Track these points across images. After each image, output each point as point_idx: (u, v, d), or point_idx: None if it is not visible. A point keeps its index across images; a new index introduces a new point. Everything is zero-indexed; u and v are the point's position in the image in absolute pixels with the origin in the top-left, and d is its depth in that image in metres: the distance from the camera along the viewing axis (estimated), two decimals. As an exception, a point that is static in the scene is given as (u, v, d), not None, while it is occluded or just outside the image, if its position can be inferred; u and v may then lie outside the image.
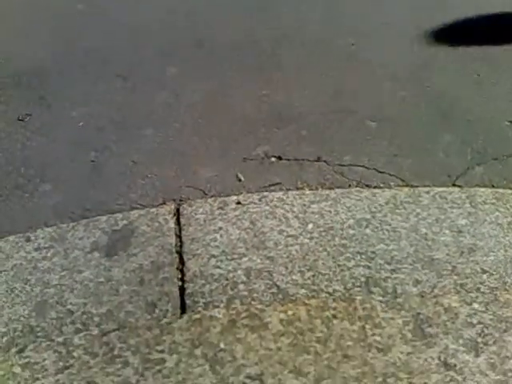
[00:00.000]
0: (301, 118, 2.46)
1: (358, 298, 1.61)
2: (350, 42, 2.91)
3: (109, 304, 1.63)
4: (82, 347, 1.46)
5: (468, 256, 1.77)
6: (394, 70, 2.71)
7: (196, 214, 1.96)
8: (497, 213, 1.92)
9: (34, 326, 1.57)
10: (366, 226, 1.88)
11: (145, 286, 1.69)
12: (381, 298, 1.61)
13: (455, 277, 1.70)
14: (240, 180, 2.16)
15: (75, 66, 2.87)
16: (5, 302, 1.65)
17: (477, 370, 1.41)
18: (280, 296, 1.65)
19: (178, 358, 1.43)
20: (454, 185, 2.09)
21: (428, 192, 2.01)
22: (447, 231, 1.85)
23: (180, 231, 1.89)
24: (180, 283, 1.71)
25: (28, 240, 1.88)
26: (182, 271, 1.75)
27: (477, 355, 1.44)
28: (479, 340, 1.48)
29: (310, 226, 1.89)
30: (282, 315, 1.54)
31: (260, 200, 2.01)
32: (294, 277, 1.71)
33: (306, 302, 1.59)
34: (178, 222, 1.93)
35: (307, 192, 2.06)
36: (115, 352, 1.44)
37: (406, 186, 2.08)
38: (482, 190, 2.02)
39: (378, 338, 1.48)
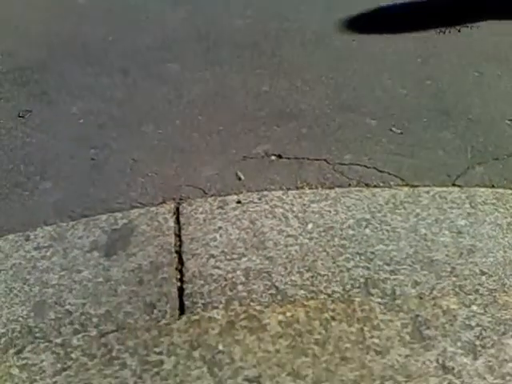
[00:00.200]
0: (301, 115, 2.45)
1: (357, 299, 1.61)
2: (351, 39, 2.90)
3: (107, 304, 1.63)
4: (80, 348, 1.46)
5: (467, 257, 1.76)
6: (394, 67, 2.70)
7: (196, 214, 1.95)
8: (496, 213, 1.91)
9: (33, 327, 1.58)
10: (366, 226, 1.87)
11: (144, 286, 1.69)
12: (379, 300, 1.61)
13: (454, 278, 1.69)
14: (240, 179, 2.16)
15: (76, 61, 2.86)
16: (3, 302, 1.65)
17: (475, 374, 1.41)
18: (279, 297, 1.65)
19: (176, 359, 1.44)
20: (453, 184, 2.08)
21: (428, 192, 2.01)
22: (446, 232, 1.85)
23: (179, 230, 1.89)
24: (179, 284, 1.71)
25: (27, 239, 1.88)
26: (181, 271, 1.75)
27: (475, 358, 1.44)
28: (477, 343, 1.47)
29: (310, 225, 1.89)
30: (281, 317, 1.54)
31: (260, 199, 2.00)
32: (292, 277, 1.71)
33: (305, 303, 1.59)
34: (177, 222, 1.93)
35: (307, 191, 2.06)
36: (113, 353, 1.45)
37: (406, 185, 2.08)
38: (482, 190, 2.01)
39: (376, 341, 1.48)
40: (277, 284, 1.69)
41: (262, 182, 2.13)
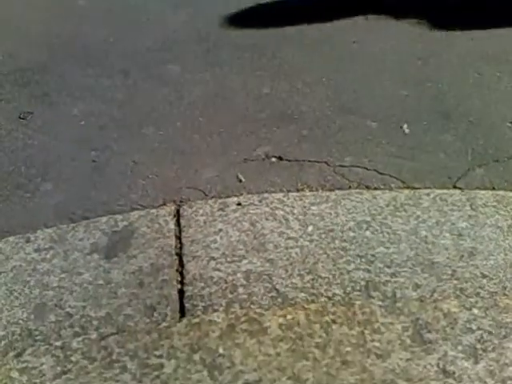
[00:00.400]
0: (301, 117, 2.45)
1: (358, 302, 1.61)
2: (352, 41, 2.90)
3: (108, 307, 1.63)
4: (80, 351, 1.46)
5: (468, 260, 1.76)
6: (394, 68, 2.70)
7: (196, 216, 1.95)
8: (497, 216, 1.91)
9: (33, 330, 1.58)
10: (366, 229, 1.87)
11: (144, 288, 1.69)
12: (380, 303, 1.61)
13: (455, 281, 1.69)
14: (240, 181, 2.16)
15: (76, 62, 2.86)
16: (4, 305, 1.65)
17: (476, 378, 1.40)
18: (279, 300, 1.64)
19: (177, 363, 1.43)
20: (454, 187, 2.08)
21: (428, 194, 2.00)
22: (447, 234, 1.85)
23: (180, 233, 1.89)
24: (179, 286, 1.71)
25: (28, 241, 1.88)
26: (181, 274, 1.75)
27: (476, 362, 1.44)
28: (478, 346, 1.47)
29: (310, 228, 1.89)
30: (281, 320, 1.54)
31: (260, 201, 2.00)
32: (293, 280, 1.71)
33: (306, 306, 1.59)
34: (178, 224, 1.93)
35: (307, 193, 2.05)
36: (113, 357, 1.45)
37: (407, 187, 2.08)
38: (483, 192, 2.01)
39: (377, 344, 1.48)
40: (277, 287, 1.69)
41: (263, 184, 2.13)
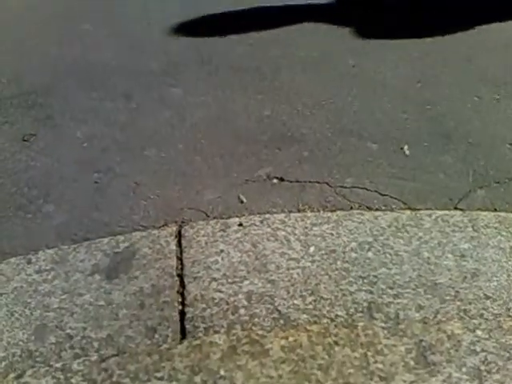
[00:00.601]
0: (302, 139, 2.46)
1: (360, 323, 1.60)
2: (351, 64, 2.94)
3: (108, 328, 1.62)
4: (80, 373, 1.45)
5: (471, 281, 1.75)
6: (394, 90, 2.72)
7: (197, 236, 1.95)
8: (499, 237, 1.91)
9: (33, 351, 1.57)
10: (368, 250, 1.87)
11: (145, 310, 1.68)
12: (383, 324, 1.60)
13: (458, 302, 1.68)
14: (242, 202, 2.16)
15: (79, 85, 2.89)
16: (4, 326, 1.64)
17: (480, 400, 1.39)
18: (281, 321, 1.63)
19: (178, 385, 1.42)
20: (455, 208, 2.08)
21: (430, 215, 2.00)
22: (450, 255, 1.84)
23: (181, 253, 1.89)
24: (180, 307, 1.70)
25: (29, 262, 1.88)
26: (182, 295, 1.75)
27: (480, 384, 1.42)
28: (482, 368, 1.46)
29: (312, 248, 1.89)
30: (283, 341, 1.53)
31: (262, 222, 2.00)
32: (295, 301, 1.70)
33: (308, 327, 1.58)
34: (179, 244, 1.93)
35: (309, 214, 2.06)
36: (114, 378, 1.43)
37: (408, 208, 2.08)
38: (484, 213, 2.01)
39: (380, 366, 1.46)
40: (279, 308, 1.68)
41: (264, 205, 2.13)
